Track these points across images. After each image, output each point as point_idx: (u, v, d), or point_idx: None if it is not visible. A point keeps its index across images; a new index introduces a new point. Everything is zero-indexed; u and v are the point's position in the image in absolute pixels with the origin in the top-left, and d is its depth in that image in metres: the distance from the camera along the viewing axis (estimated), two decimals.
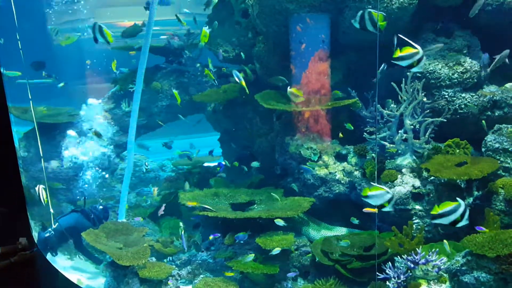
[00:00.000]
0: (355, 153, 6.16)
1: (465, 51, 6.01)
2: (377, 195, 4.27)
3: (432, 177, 5.39)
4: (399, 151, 5.81)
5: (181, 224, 6.41)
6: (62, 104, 8.54)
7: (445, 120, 5.61)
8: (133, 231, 6.15)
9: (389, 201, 4.25)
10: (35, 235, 6.21)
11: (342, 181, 6.08)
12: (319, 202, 6.17)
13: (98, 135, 7.11)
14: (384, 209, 4.33)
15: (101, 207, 6.39)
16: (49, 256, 6.11)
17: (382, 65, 5.58)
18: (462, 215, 3.90)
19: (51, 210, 6.43)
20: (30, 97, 6.67)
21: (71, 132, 7.50)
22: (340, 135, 6.20)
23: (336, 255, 5.27)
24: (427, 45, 6.03)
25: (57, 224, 6.04)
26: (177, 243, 6.30)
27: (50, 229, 6.03)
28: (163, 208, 6.91)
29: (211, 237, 5.92)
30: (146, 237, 6.05)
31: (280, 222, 5.48)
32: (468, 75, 5.86)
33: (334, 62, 6.45)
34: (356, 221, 5.64)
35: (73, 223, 6.08)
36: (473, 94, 5.87)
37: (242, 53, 7.48)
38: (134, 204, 7.88)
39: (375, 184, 4.43)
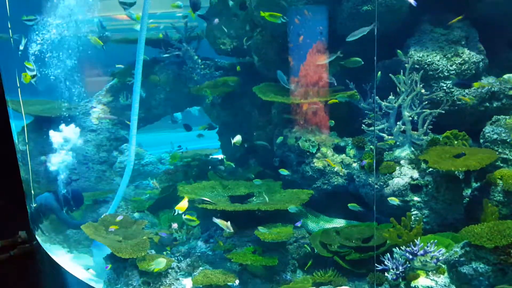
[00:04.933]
0: (354, 145, 6.17)
1: (463, 42, 6.00)
2: None
3: (430, 169, 5.40)
4: (398, 143, 5.82)
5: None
6: None
7: (443, 112, 5.60)
8: (132, 224, 6.16)
9: None
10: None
11: (340, 173, 6.09)
12: (318, 194, 6.18)
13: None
14: None
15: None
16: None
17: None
18: None
19: (32, 192, 6.81)
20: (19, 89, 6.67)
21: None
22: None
23: (335, 247, 5.29)
24: (424, 36, 6.02)
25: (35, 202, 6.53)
26: (176, 236, 6.30)
27: (31, 205, 6.49)
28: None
29: None
30: (145, 230, 6.07)
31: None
32: (466, 67, 5.85)
33: (332, 53, 6.42)
34: (294, 209, 5.66)
35: (42, 201, 6.53)
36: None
37: None
38: (133, 197, 7.87)
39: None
